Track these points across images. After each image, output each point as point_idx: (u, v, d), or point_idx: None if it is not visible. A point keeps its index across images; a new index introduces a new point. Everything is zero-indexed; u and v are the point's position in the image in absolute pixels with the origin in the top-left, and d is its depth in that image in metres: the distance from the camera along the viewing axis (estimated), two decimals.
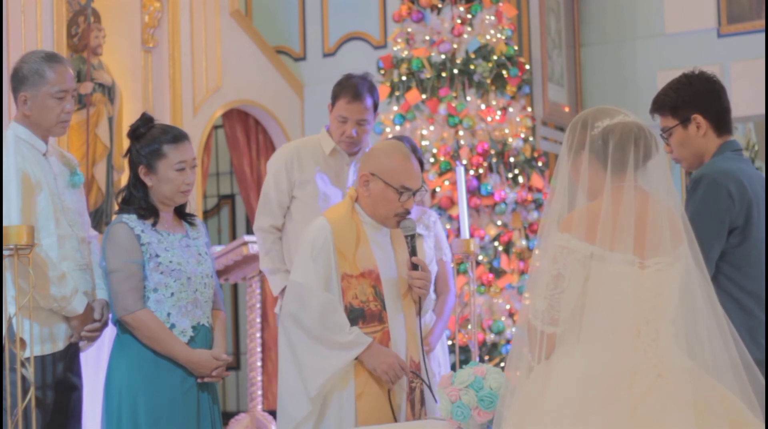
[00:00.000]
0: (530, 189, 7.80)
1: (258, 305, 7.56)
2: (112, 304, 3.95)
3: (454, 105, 7.80)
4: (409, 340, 3.87)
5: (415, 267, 3.89)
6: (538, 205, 7.78)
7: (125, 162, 4.11)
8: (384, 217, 3.89)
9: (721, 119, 3.79)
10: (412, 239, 3.89)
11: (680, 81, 3.81)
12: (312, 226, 3.91)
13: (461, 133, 7.78)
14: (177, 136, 3.98)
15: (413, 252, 3.90)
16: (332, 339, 3.73)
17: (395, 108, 7.99)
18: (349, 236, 3.84)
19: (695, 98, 3.76)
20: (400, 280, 3.89)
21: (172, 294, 3.92)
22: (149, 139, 3.96)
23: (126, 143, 4.09)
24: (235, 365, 10.05)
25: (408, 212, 3.89)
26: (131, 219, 3.94)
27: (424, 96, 7.92)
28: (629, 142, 2.95)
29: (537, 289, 2.92)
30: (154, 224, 3.95)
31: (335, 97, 4.96)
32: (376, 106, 4.98)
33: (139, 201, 3.97)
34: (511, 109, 7.90)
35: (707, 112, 3.76)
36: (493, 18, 7.98)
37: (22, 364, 3.68)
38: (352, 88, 4.90)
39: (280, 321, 3.89)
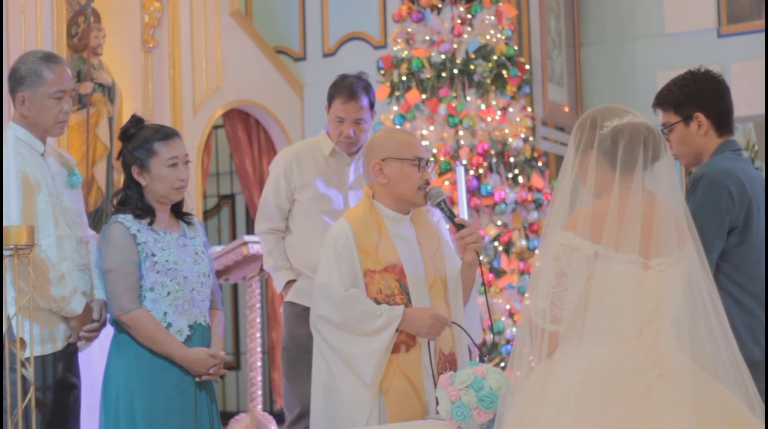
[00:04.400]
0: (530, 189, 7.80)
1: (258, 305, 7.56)
2: (109, 304, 3.96)
3: (454, 105, 7.80)
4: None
5: (460, 227, 3.89)
6: (538, 205, 7.77)
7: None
8: (409, 196, 3.89)
9: (723, 119, 3.78)
10: (446, 204, 3.90)
11: (685, 78, 3.80)
12: (332, 227, 3.93)
13: (461, 133, 7.78)
14: (167, 134, 3.99)
15: (452, 214, 3.90)
16: (366, 328, 3.74)
17: (395, 108, 7.98)
18: (370, 232, 3.85)
19: (699, 96, 3.75)
20: (426, 272, 3.89)
21: (169, 293, 3.92)
22: (140, 139, 3.98)
23: None
24: (235, 365, 10.06)
25: (428, 183, 3.90)
26: (127, 219, 3.94)
27: (424, 96, 7.91)
28: (638, 144, 2.94)
29: (539, 287, 2.92)
30: (150, 224, 3.96)
31: (331, 98, 4.97)
32: (372, 105, 4.98)
33: (135, 201, 3.97)
34: (511, 109, 7.90)
35: (710, 112, 3.75)
36: (493, 18, 7.98)
37: (22, 364, 3.68)
38: (346, 88, 4.90)
39: (312, 325, 3.88)
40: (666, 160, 2.98)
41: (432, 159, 7.71)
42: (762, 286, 3.64)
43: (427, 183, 3.90)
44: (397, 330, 3.75)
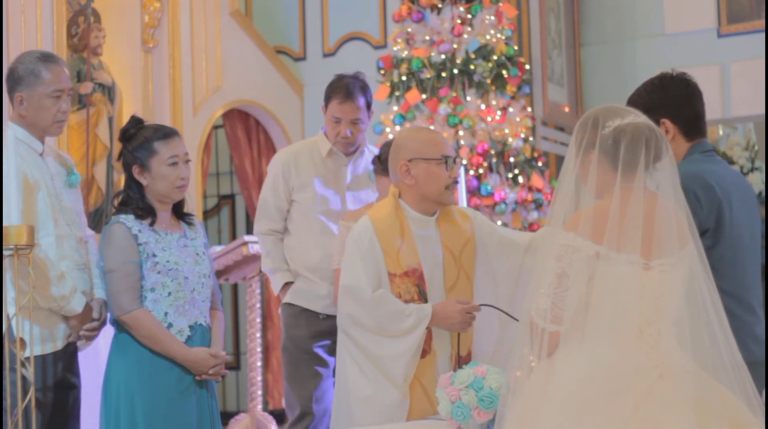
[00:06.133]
0: (530, 189, 7.80)
1: (258, 305, 7.56)
2: (110, 304, 3.96)
3: (454, 105, 7.80)
4: (453, 336, 3.83)
5: None
6: (538, 205, 7.78)
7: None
8: (437, 195, 3.85)
9: (690, 124, 3.75)
10: None
11: (653, 83, 3.78)
12: (356, 228, 3.89)
13: (461, 133, 7.78)
14: (167, 133, 4.01)
15: None
16: (396, 328, 3.72)
17: (395, 108, 7.99)
18: (393, 234, 3.82)
19: (665, 103, 3.72)
20: (445, 275, 3.86)
21: (170, 293, 3.93)
22: (140, 139, 3.99)
23: None
24: (235, 365, 10.06)
25: (456, 181, 3.88)
26: (128, 219, 3.95)
27: (424, 96, 7.91)
28: (640, 144, 2.94)
29: (540, 287, 2.92)
30: (151, 224, 3.96)
31: (327, 99, 4.97)
32: (369, 105, 4.98)
33: (136, 202, 3.98)
34: (511, 109, 7.90)
35: (676, 118, 3.73)
36: (493, 18, 7.98)
37: (22, 364, 3.68)
38: (343, 89, 4.90)
39: (339, 327, 3.86)
40: (667, 160, 2.98)
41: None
42: (740, 286, 3.61)
43: (456, 181, 3.87)
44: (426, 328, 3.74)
